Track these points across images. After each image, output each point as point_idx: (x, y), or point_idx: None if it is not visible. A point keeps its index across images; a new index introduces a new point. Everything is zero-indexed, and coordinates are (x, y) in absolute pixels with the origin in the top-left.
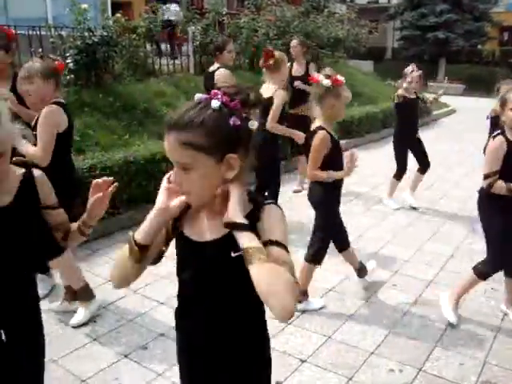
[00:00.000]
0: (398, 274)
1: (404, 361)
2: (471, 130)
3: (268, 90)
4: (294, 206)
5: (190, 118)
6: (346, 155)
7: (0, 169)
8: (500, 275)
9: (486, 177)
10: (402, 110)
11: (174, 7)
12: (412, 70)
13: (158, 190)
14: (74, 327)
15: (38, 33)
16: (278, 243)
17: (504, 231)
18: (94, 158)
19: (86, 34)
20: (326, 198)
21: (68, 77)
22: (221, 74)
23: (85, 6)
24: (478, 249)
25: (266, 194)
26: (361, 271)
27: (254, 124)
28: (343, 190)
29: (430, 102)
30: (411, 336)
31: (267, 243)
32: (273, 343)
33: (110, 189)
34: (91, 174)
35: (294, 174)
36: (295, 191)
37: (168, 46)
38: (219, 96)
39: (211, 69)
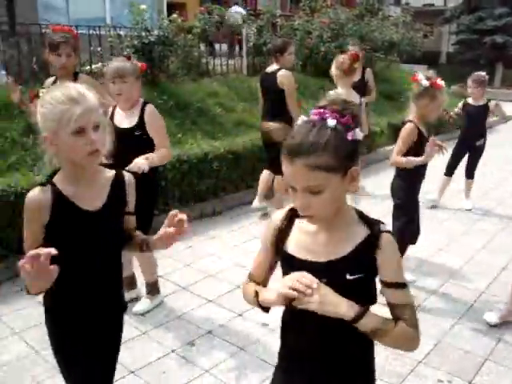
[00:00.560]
0: (449, 282)
1: (453, 372)
2: None
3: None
4: None
5: (315, 142)
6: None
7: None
8: None
9: None
10: (465, 117)
11: (235, 10)
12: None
13: (209, 189)
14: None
15: (98, 32)
16: (398, 285)
17: None
18: None
19: (143, 33)
20: (405, 192)
21: None
22: (284, 76)
23: (143, 6)
24: None
25: None
26: None
27: (360, 134)
28: (388, 195)
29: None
30: (461, 347)
31: (388, 285)
32: None
33: (181, 233)
34: None
35: None
36: None
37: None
38: (328, 114)
39: (269, 70)
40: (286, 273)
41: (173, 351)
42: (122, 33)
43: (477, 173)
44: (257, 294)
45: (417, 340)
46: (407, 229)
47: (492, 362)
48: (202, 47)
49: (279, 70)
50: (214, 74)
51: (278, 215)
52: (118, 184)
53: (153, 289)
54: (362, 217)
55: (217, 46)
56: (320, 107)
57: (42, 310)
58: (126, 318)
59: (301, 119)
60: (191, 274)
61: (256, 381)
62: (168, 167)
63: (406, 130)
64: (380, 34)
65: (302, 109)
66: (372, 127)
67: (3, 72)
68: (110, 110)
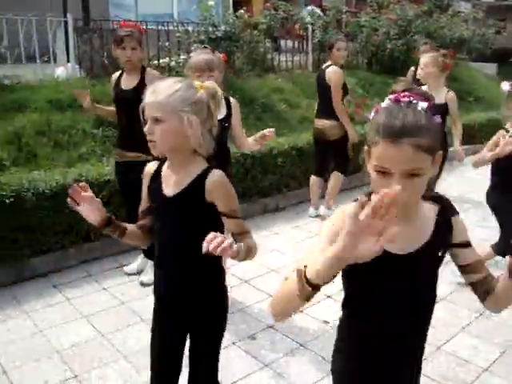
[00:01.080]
0: None
1: None
2: None
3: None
4: None
5: (417, 122)
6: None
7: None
8: None
9: None
10: None
11: (310, 8)
12: None
13: (272, 185)
14: None
15: (166, 28)
16: (470, 243)
17: None
18: None
19: (210, 29)
20: (501, 201)
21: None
22: (330, 71)
23: (211, 2)
24: None
25: None
26: None
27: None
28: (459, 198)
29: None
30: None
31: (465, 245)
32: None
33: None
34: None
35: None
36: None
37: (286, 42)
38: (414, 97)
39: (324, 66)
40: (363, 270)
41: (234, 343)
42: (189, 28)
43: None
44: (301, 270)
45: None
46: None
47: None
48: (268, 43)
49: (329, 66)
50: (279, 70)
51: (339, 214)
52: (200, 178)
53: None
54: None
55: (282, 42)
56: (403, 91)
57: (108, 295)
58: None
59: (386, 102)
60: (253, 268)
61: (315, 377)
62: (232, 162)
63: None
64: (449, 30)
65: (365, 106)
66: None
67: (77, 66)
68: None
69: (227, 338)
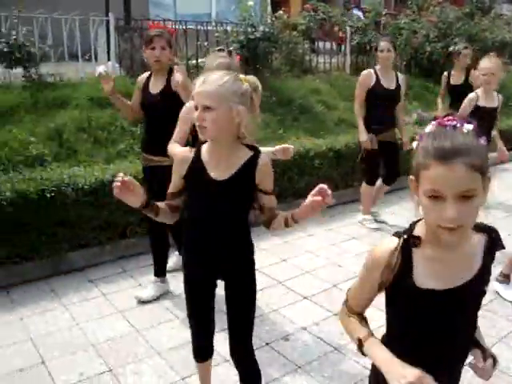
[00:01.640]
0: None
1: None
2: None
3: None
4: None
5: (468, 143)
6: None
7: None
8: None
9: None
10: None
11: (355, 12)
12: None
13: (308, 186)
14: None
15: (205, 28)
16: None
17: None
18: None
19: (249, 29)
20: None
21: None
22: (361, 74)
23: (251, 3)
24: None
25: None
26: None
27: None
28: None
29: None
30: None
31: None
32: None
33: (326, 202)
34: None
35: None
36: None
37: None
38: (457, 121)
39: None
40: (416, 307)
41: (267, 344)
42: (228, 28)
43: None
44: (360, 342)
45: None
46: None
47: None
48: (306, 44)
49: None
50: (316, 72)
51: (385, 251)
52: (250, 162)
53: None
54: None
55: (320, 43)
56: (445, 116)
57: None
58: (216, 308)
59: (429, 128)
60: (287, 269)
61: (348, 382)
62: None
63: None
64: (491, 33)
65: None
66: None
67: (117, 65)
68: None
69: (260, 339)
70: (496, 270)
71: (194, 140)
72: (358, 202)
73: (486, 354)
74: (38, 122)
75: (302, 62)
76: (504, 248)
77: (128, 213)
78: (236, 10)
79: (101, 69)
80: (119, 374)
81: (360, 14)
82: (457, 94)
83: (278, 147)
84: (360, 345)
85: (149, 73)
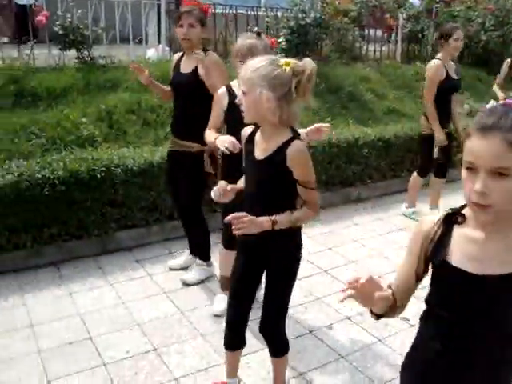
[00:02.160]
0: None
1: None
2: None
3: None
4: None
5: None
6: None
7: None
8: None
9: None
10: None
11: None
12: None
13: (356, 175)
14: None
15: (255, 13)
16: None
17: None
18: None
19: (300, 15)
20: None
21: (279, 55)
22: (429, 67)
23: None
24: None
25: None
26: None
27: None
28: None
29: None
30: None
31: None
32: None
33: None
34: None
35: None
36: None
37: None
38: None
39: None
40: (448, 285)
41: (310, 332)
42: (278, 14)
43: None
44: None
45: None
46: None
47: None
48: (356, 31)
49: (434, 59)
50: (366, 60)
51: (429, 222)
52: (284, 146)
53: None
54: None
55: (370, 31)
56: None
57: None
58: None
59: (490, 103)
60: (332, 258)
61: (393, 375)
62: (318, 149)
63: None
64: None
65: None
66: None
67: (167, 48)
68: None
69: (304, 327)
70: None
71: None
72: (405, 193)
73: None
74: (90, 103)
75: (351, 49)
76: None
77: None
78: None
79: (151, 52)
80: (163, 354)
81: (416, 1)
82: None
83: (311, 127)
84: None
85: (182, 52)
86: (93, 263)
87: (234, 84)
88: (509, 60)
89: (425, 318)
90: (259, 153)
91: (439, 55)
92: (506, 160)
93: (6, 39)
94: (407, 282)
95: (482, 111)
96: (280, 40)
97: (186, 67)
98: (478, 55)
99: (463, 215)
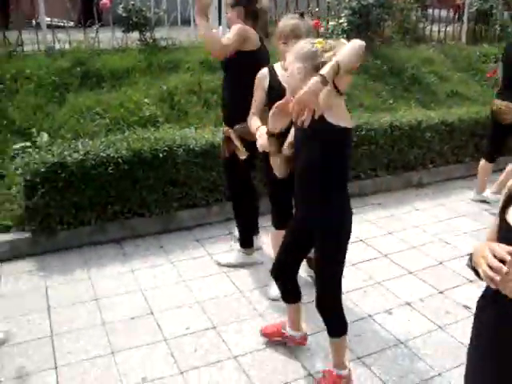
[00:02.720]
0: None
1: None
2: None
3: None
4: None
5: None
6: None
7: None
8: None
9: None
10: None
11: None
12: None
13: (417, 159)
14: None
15: None
16: None
17: None
18: (360, 118)
19: None
20: None
21: (341, 36)
22: None
23: None
24: None
25: None
26: None
27: None
28: None
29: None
30: None
31: None
32: None
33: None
34: (356, 133)
35: None
36: None
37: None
38: None
39: None
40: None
41: (369, 316)
42: None
43: None
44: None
45: None
46: None
47: None
48: (419, 12)
49: None
50: (429, 41)
51: None
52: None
53: None
54: None
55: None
56: None
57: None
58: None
59: None
60: (393, 242)
61: (453, 362)
62: (380, 132)
63: None
64: None
65: None
66: None
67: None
68: (266, 70)
69: (363, 310)
70: None
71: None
72: (469, 178)
73: None
74: (151, 84)
75: (414, 30)
76: None
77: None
78: None
79: None
80: (222, 332)
81: None
82: None
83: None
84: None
85: None
86: (154, 241)
87: (277, 66)
88: None
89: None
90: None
91: None
92: None
93: (72, 23)
94: None
95: None
96: (341, 21)
97: None
98: None
99: None
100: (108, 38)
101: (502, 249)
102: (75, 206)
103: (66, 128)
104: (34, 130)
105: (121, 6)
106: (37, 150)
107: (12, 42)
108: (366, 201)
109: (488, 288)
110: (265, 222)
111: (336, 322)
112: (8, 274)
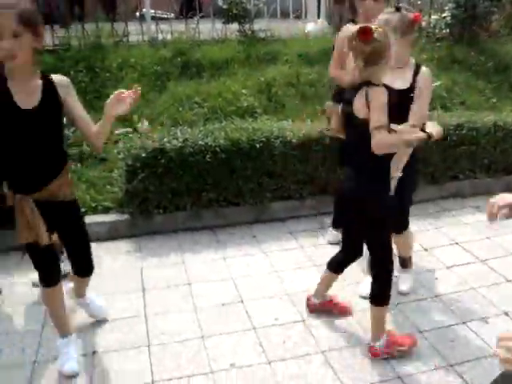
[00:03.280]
0: None
1: None
2: None
3: None
4: None
5: None
6: None
7: None
8: None
9: None
10: None
11: None
12: None
13: None
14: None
15: None
16: None
17: None
18: (462, 116)
19: None
20: None
21: (443, 31)
22: None
23: None
24: None
25: None
26: None
27: None
28: None
29: None
30: None
31: None
32: None
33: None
34: (456, 132)
35: None
36: None
37: None
38: None
39: None
40: None
41: (463, 323)
42: None
43: None
44: None
45: None
46: None
47: None
48: None
49: None
50: None
51: None
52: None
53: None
54: None
55: None
56: None
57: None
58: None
59: None
60: (491, 247)
61: None
62: (482, 132)
63: None
64: None
65: None
66: None
67: (326, 22)
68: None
69: (457, 316)
70: None
71: None
72: None
73: None
74: (250, 75)
75: None
76: None
77: (331, 169)
78: None
79: (310, 27)
80: (311, 326)
81: None
82: None
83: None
84: None
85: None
86: (247, 231)
87: None
88: None
89: None
90: None
91: None
92: None
93: (173, 15)
94: None
95: None
96: (444, 15)
97: None
98: None
99: None
100: (208, 29)
101: None
102: (172, 192)
103: (166, 115)
104: (135, 116)
105: None
106: (138, 135)
107: (119, 33)
108: (464, 203)
109: None
110: None
111: (377, 290)
112: (106, 252)
